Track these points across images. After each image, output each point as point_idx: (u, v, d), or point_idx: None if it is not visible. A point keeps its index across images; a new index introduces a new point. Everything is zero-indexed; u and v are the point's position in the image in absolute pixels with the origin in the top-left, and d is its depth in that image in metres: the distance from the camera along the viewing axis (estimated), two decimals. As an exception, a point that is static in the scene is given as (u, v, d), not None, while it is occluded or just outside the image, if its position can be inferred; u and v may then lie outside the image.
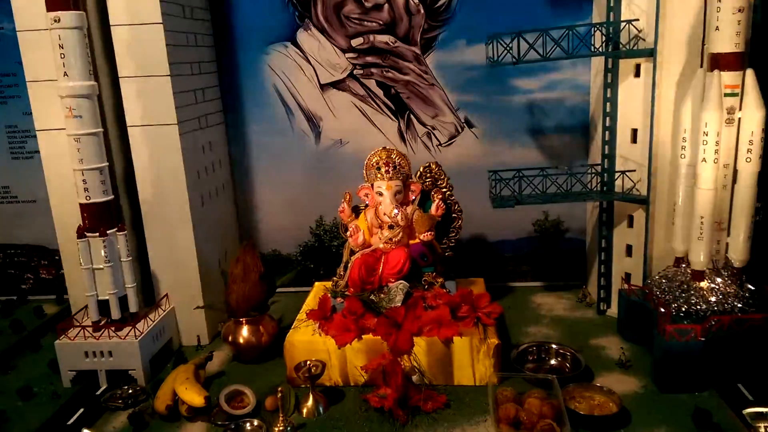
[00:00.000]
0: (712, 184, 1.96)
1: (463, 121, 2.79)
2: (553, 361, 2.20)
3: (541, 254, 2.92)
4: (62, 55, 2.04)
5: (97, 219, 2.18)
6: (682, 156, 2.07)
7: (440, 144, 2.83)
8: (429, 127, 2.81)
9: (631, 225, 2.46)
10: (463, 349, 2.09)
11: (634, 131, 2.36)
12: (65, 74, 2.06)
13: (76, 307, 2.48)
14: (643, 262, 2.40)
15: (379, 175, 2.32)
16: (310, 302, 2.44)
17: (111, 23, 2.25)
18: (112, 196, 2.22)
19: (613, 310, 2.59)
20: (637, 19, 2.22)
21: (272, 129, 2.85)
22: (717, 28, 1.90)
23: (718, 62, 1.93)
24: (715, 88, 1.92)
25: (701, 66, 2.07)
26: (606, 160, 2.44)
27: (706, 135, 1.93)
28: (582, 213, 2.85)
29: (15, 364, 2.44)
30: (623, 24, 2.23)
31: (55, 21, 2.01)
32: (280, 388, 1.85)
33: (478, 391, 2.07)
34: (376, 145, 2.73)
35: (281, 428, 1.85)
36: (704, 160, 1.95)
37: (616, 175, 2.39)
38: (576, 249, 2.90)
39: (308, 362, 2.03)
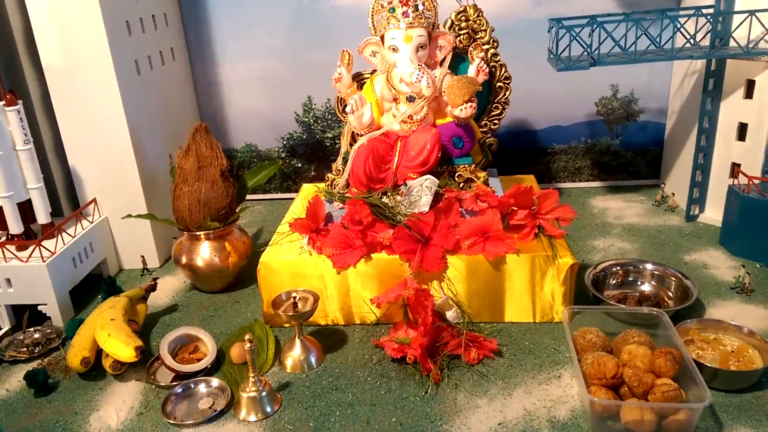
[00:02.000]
0: None
1: (506, -46, 1.98)
2: (645, 287, 1.54)
3: (603, 145, 2.20)
4: None
5: (-35, 84, 1.44)
6: None
7: (473, -12, 2.03)
8: (458, -36, 2.00)
9: (749, 95, 1.74)
10: (519, 273, 1.44)
11: (773, -50, 1.58)
12: None
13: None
14: (766, 146, 1.69)
15: (393, 21, 1.55)
16: (297, 209, 1.75)
17: None
18: (-11, 51, 1.48)
19: (709, 215, 1.92)
20: None
21: (238, -29, 2.05)
22: None
23: None
24: None
25: None
26: (723, -4, 1.67)
27: None
28: (664, 86, 2.12)
29: None
30: None
31: None
32: (248, 337, 1.18)
33: (541, 331, 1.44)
34: (384, -9, 1.95)
35: (252, 391, 1.21)
36: None
37: (738, 18, 1.61)
38: (651, 137, 2.18)
39: (293, 294, 1.36)
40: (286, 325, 1.51)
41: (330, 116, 2.24)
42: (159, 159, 1.88)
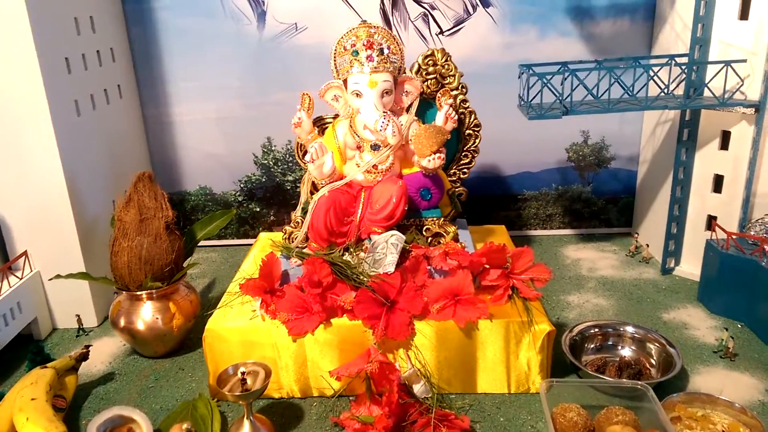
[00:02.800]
0: None
1: (475, -4, 1.92)
2: (626, 352, 1.44)
3: (574, 192, 2.13)
4: None
5: None
6: None
7: (441, 32, 1.97)
8: (426, 6, 1.94)
9: (725, 146, 1.69)
10: (493, 340, 1.32)
11: (745, 1, 1.54)
12: None
13: None
14: (743, 200, 1.65)
15: (356, 64, 1.45)
16: (250, 265, 1.60)
17: None
18: None
19: (685, 269, 1.85)
20: None
21: (192, 4, 1.94)
22: None
23: None
24: None
25: None
26: (697, 47, 1.62)
27: None
28: (635, 134, 2.07)
29: None
30: None
31: None
32: (185, 426, 1.02)
33: (517, 404, 1.32)
34: (348, 31, 1.87)
35: (192, 487, 1.05)
36: None
37: (713, 68, 1.57)
38: (623, 185, 2.12)
39: (240, 368, 1.21)
40: (235, 402, 1.35)
41: (291, 158, 2.12)
42: (99, 207, 1.72)
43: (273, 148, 2.11)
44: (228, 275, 1.96)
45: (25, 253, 1.59)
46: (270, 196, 2.17)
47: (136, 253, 1.43)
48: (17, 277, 1.56)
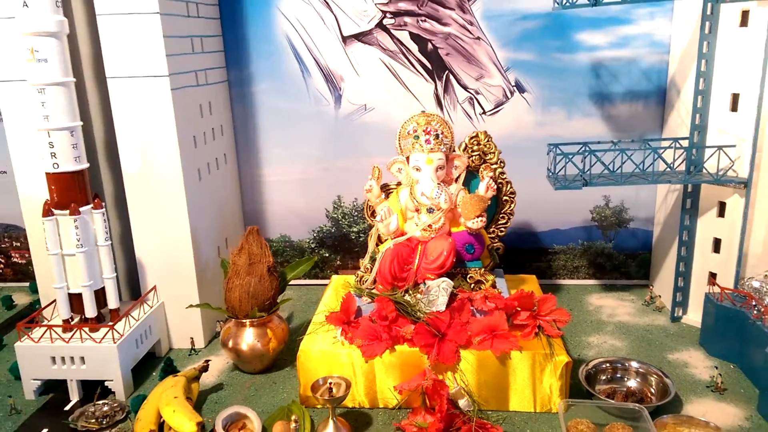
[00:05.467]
0: None
1: (513, 84, 2.32)
2: (631, 383, 1.76)
3: (597, 247, 2.48)
4: (19, -20, 1.59)
5: (67, 193, 1.74)
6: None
7: (484, 112, 2.37)
8: (472, 91, 2.35)
9: (722, 214, 2.01)
10: (522, 367, 1.67)
11: (735, 97, 1.90)
12: (25, 4, 1.60)
13: (46, 299, 2.06)
14: (737, 260, 1.96)
15: (417, 146, 1.86)
16: (329, 301, 2.01)
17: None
18: (87, 165, 1.79)
19: (691, 317, 2.16)
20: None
21: (283, 90, 2.40)
22: None
23: None
24: None
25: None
26: (696, 132, 1.98)
27: None
28: (650, 199, 2.40)
29: (-27, 367, 2.03)
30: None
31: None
32: (294, 417, 1.42)
33: (540, 420, 1.66)
34: (408, 112, 2.28)
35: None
36: None
37: (710, 150, 1.92)
38: (641, 242, 2.45)
39: (329, 380, 1.60)
40: (319, 407, 1.73)
41: (356, 213, 2.54)
42: (209, 251, 2.16)
43: (342, 204, 2.54)
44: (302, 309, 2.37)
45: (154, 288, 2.04)
46: (337, 243, 2.59)
47: (246, 290, 1.85)
48: (149, 305, 2.00)
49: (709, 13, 1.87)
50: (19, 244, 2.66)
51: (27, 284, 2.64)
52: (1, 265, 2.70)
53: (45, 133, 1.70)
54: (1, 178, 2.58)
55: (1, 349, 2.14)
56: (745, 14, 1.84)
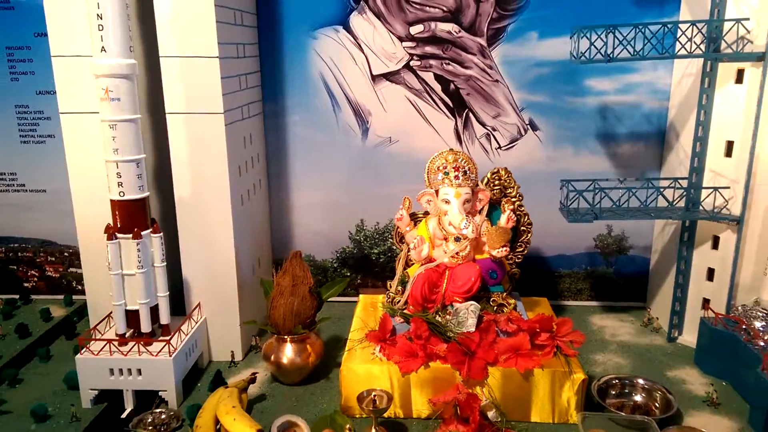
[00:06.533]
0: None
1: (527, 122, 2.54)
2: (638, 398, 1.97)
3: (599, 272, 2.70)
4: (100, 27, 1.75)
5: (131, 218, 1.90)
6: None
7: (500, 147, 2.58)
8: (489, 128, 2.56)
9: (715, 247, 2.24)
10: (543, 383, 1.86)
11: (730, 144, 2.14)
12: (103, 49, 1.77)
13: (94, 313, 2.21)
14: (729, 289, 2.19)
15: (447, 181, 2.06)
16: (360, 319, 2.19)
17: (151, -6, 1.97)
18: (148, 193, 1.95)
19: (686, 338, 2.38)
20: (747, 19, 1.99)
21: (315, 122, 2.58)
22: None
23: None
24: None
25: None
26: (694, 174, 2.21)
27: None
28: (648, 229, 2.63)
29: (22, 377, 2.15)
30: (731, 24, 1.99)
31: (95, -13, 1.73)
32: (348, 426, 1.59)
33: (559, 431, 1.85)
34: (429, 145, 2.52)
35: (345, 471, 1.61)
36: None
37: (706, 191, 2.15)
38: (639, 268, 2.68)
39: (373, 392, 1.78)
40: (358, 416, 1.90)
41: (377, 236, 2.72)
42: (248, 270, 2.32)
43: (364, 228, 2.72)
44: (328, 325, 2.54)
45: (198, 305, 2.20)
46: (359, 264, 2.76)
47: (290, 309, 2.02)
48: (194, 320, 2.16)
49: (708, 70, 2.11)
50: (54, 259, 2.79)
51: (61, 297, 2.76)
52: (36, 279, 2.82)
53: (114, 164, 1.86)
54: (39, 196, 2.72)
55: (48, 360, 2.27)
56: (740, 72, 2.08)
